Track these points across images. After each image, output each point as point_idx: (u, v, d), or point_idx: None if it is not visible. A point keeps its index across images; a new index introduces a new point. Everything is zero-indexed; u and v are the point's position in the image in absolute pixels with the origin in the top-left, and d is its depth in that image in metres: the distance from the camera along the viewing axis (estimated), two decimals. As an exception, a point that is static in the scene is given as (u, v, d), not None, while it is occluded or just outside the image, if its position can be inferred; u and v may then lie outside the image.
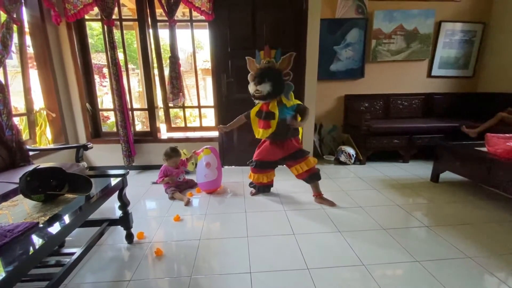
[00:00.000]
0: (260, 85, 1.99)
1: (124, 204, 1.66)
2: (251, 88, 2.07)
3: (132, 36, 6.85)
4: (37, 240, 0.97)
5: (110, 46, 2.67)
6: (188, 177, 2.76)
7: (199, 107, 3.40)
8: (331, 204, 2.17)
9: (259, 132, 2.13)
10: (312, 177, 2.19)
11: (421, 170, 2.98)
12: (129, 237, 1.71)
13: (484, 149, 2.21)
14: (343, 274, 1.40)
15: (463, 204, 2.18)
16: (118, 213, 1.69)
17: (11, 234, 0.94)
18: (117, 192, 1.63)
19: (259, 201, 2.33)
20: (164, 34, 2.89)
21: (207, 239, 1.75)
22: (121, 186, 1.62)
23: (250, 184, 2.51)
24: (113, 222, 1.67)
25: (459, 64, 3.63)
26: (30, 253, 0.88)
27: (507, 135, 2.10)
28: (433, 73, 3.62)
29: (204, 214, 2.12)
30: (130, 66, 6.73)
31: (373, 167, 3.14)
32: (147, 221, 2.03)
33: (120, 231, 1.75)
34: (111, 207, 2.18)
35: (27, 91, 2.58)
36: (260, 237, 1.76)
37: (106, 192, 1.44)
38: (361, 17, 3.31)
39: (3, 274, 0.77)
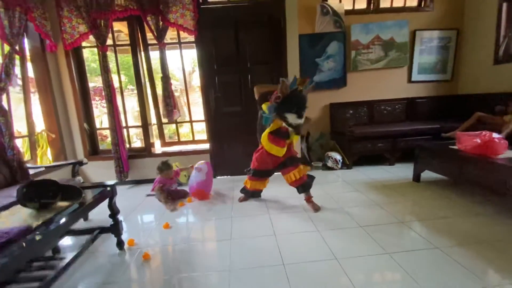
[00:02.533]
0: (301, 119, 2.00)
1: (113, 212, 1.79)
2: (292, 118, 1.99)
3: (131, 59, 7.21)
4: (30, 240, 1.11)
5: (104, 70, 2.91)
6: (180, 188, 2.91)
7: (190, 121, 3.59)
8: (315, 208, 2.25)
9: (279, 151, 2.19)
10: (303, 187, 2.28)
11: (405, 171, 3.08)
12: (120, 244, 1.83)
13: (456, 147, 2.33)
14: (316, 267, 1.51)
15: (439, 200, 2.27)
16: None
17: (7, 235, 1.09)
18: (107, 202, 1.77)
19: (245, 206, 2.45)
20: (157, 55, 3.11)
21: (193, 243, 1.87)
22: (111, 195, 1.76)
23: (242, 190, 2.59)
24: (104, 230, 1.80)
25: (437, 69, 3.81)
26: (23, 249, 1.02)
27: (476, 132, 2.22)
28: (413, 79, 3.79)
29: (192, 221, 2.24)
30: (130, 87, 7.11)
31: (360, 171, 3.26)
32: (139, 229, 2.16)
33: (113, 239, 1.87)
34: (105, 219, 2.31)
35: (28, 115, 2.79)
36: (243, 239, 1.87)
37: (96, 200, 1.59)
38: (339, 30, 3.54)
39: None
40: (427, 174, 2.67)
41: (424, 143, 2.83)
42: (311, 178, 2.32)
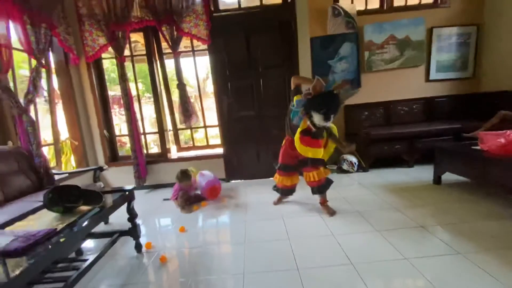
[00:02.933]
0: (327, 122, 1.97)
1: (132, 216, 1.87)
2: (318, 119, 1.96)
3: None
4: (55, 242, 1.18)
5: (122, 79, 3.04)
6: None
7: (205, 126, 3.67)
8: (331, 213, 2.23)
9: (316, 152, 2.06)
10: (318, 188, 2.25)
11: (425, 174, 2.97)
12: (138, 247, 1.90)
13: (479, 147, 2.22)
14: (331, 272, 1.49)
15: (461, 203, 2.18)
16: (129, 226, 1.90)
17: (34, 237, 1.16)
18: (126, 206, 1.84)
19: (259, 210, 2.46)
20: (172, 63, 3.22)
21: (208, 247, 1.90)
22: (129, 199, 1.83)
23: (274, 187, 2.56)
24: (123, 233, 1.87)
25: (457, 66, 3.66)
26: (49, 250, 1.09)
27: (500, 132, 2.11)
28: (431, 77, 3.66)
29: (207, 225, 2.28)
30: (147, 95, 7.36)
31: (377, 174, 3.18)
32: (156, 232, 2.23)
33: (131, 242, 1.94)
34: (124, 222, 2.40)
35: (54, 124, 2.96)
36: (257, 242, 1.88)
37: (115, 204, 1.66)
38: (352, 31, 3.49)
39: (27, 266, 0.97)
40: (448, 176, 2.56)
41: (445, 143, 2.72)
42: (329, 181, 2.28)
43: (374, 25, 3.50)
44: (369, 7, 3.57)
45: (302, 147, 2.04)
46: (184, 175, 2.69)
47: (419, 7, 3.55)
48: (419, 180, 2.84)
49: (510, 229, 1.74)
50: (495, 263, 1.43)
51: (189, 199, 2.72)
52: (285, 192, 2.51)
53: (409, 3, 3.57)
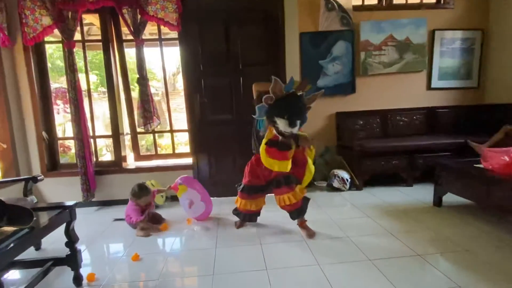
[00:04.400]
0: (293, 127, 2.02)
1: (71, 240, 1.77)
2: (283, 125, 2.03)
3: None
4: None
5: (70, 69, 2.95)
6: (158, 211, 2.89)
7: (171, 131, 3.62)
8: (310, 234, 2.27)
9: (282, 165, 2.12)
10: (297, 212, 2.29)
11: (425, 194, 3.10)
12: (77, 280, 1.80)
13: (482, 165, 2.37)
14: (314, 309, 1.49)
15: (463, 228, 2.29)
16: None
17: None
18: (65, 227, 1.75)
19: (232, 234, 2.43)
20: (134, 53, 3.18)
21: (167, 279, 1.84)
22: (69, 218, 1.74)
23: (234, 210, 2.58)
24: (59, 262, 1.77)
25: (460, 74, 3.92)
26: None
27: (504, 149, 2.27)
28: (433, 85, 3.89)
29: (167, 251, 2.22)
30: (101, 89, 7.18)
31: (371, 193, 3.27)
32: (102, 261, 2.14)
33: (70, 273, 1.83)
34: (61, 248, 2.28)
35: (-24, 121, 2.79)
36: (228, 274, 1.85)
37: (50, 224, 1.57)
38: (347, 28, 3.65)
39: None
40: (450, 198, 2.69)
41: (446, 160, 2.87)
42: (306, 201, 2.33)
43: (371, 23, 3.68)
44: (366, 2, 3.75)
45: (267, 160, 2.12)
46: (144, 190, 2.61)
47: (421, 6, 3.78)
48: (418, 201, 2.95)
49: (515, 259, 1.85)
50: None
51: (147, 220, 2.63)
52: (248, 217, 2.53)
53: (410, 1, 3.80)
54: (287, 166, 2.13)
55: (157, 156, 3.64)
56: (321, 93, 2.18)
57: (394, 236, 2.23)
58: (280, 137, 2.09)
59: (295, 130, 2.06)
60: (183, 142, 6.43)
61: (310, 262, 1.94)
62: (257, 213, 2.54)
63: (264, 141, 2.16)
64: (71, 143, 4.55)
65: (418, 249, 2.02)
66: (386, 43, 3.73)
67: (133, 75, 3.49)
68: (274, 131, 2.12)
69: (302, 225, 2.34)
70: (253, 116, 2.20)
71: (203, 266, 1.97)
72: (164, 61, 3.41)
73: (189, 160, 3.42)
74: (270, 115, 2.08)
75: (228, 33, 3.19)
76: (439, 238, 2.18)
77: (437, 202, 2.76)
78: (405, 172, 3.40)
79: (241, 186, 2.43)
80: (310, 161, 2.32)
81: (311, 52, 3.63)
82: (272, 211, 2.68)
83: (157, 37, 3.42)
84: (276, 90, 2.01)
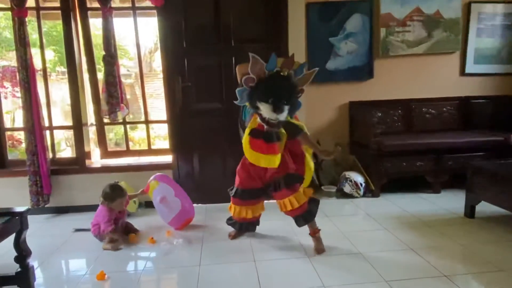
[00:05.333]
0: (279, 114, 2.03)
1: (22, 254, 1.77)
2: (267, 111, 2.04)
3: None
4: None
5: (21, 43, 2.92)
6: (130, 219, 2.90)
7: (146, 122, 3.61)
8: (319, 249, 2.29)
9: (270, 160, 2.14)
10: (304, 217, 2.29)
11: (454, 202, 3.14)
12: (29, 302, 1.81)
13: (524, 168, 2.41)
14: None
15: (498, 245, 2.33)
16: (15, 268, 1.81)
17: None
18: (14, 238, 1.76)
19: (221, 248, 2.45)
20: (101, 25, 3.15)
21: (140, 302, 1.86)
22: (19, 228, 1.74)
23: (229, 220, 2.61)
24: (7, 281, 1.78)
25: (502, 58, 3.96)
26: None
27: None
28: (467, 70, 3.92)
29: (140, 269, 2.23)
30: (60, 69, 7.10)
31: (390, 200, 3.31)
32: (60, 280, 2.14)
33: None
34: (9, 264, 2.28)
35: None
36: (214, 297, 1.87)
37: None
38: (364, -1, 3.66)
39: None
40: (484, 207, 2.73)
41: (481, 162, 2.90)
42: (315, 203, 2.35)
43: (394, -7, 3.69)
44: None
45: (252, 153, 2.14)
46: (117, 190, 2.61)
47: (454, -28, 3.79)
48: (446, 211, 3.00)
49: (559, 281, 1.89)
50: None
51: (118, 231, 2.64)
52: (245, 227, 2.56)
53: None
54: (276, 161, 2.15)
55: (129, 152, 3.64)
56: (314, 71, 2.19)
57: (416, 253, 2.26)
58: (266, 126, 2.10)
59: (281, 117, 2.06)
60: (161, 136, 6.44)
61: (314, 283, 1.96)
62: (255, 222, 2.58)
63: (247, 131, 2.16)
64: (21, 135, 4.52)
65: (445, 269, 2.04)
66: (411, 17, 3.74)
67: (100, 52, 3.46)
68: (258, 119, 2.14)
69: (315, 235, 2.33)
70: (234, 102, 2.22)
71: (184, 287, 1.99)
72: (138, 35, 3.39)
73: (168, 158, 3.43)
74: (253, 100, 2.10)
75: (218, 2, 3.18)
76: (469, 255, 2.22)
77: (469, 212, 2.79)
78: (431, 175, 3.44)
79: (234, 190, 2.44)
80: (308, 156, 2.34)
81: (320, 27, 3.64)
82: (269, 220, 2.71)
83: (130, 5, 3.40)
84: (255, 70, 2.03)
